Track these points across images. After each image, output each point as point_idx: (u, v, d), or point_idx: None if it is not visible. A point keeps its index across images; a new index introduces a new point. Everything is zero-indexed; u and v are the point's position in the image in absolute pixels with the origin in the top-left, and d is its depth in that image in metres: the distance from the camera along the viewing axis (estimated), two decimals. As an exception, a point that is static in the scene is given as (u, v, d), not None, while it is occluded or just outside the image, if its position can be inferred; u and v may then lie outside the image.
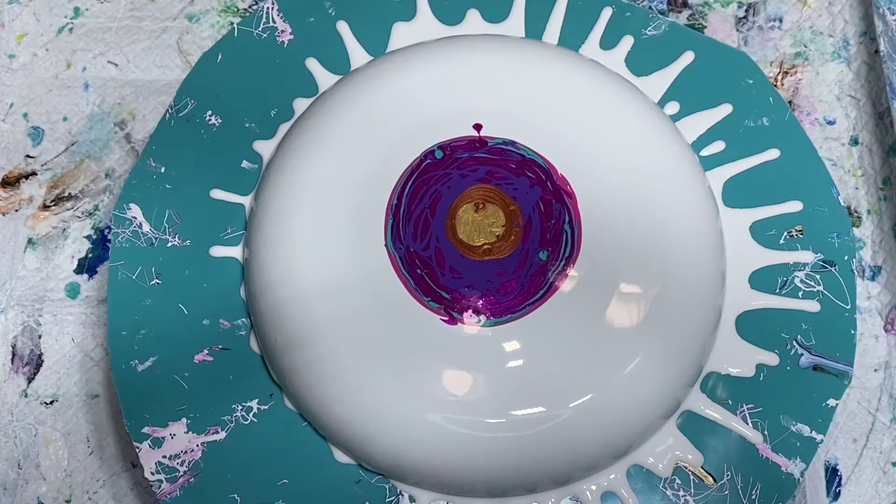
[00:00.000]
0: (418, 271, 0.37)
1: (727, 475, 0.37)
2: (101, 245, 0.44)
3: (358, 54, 0.42)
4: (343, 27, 0.43)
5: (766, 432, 0.38)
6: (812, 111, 0.46)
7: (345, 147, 0.39)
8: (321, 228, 0.38)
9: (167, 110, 0.41)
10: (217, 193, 0.40)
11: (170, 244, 0.39)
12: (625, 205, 0.38)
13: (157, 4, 0.48)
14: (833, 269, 0.40)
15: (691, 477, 0.37)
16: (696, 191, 0.39)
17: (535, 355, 0.36)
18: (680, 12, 0.48)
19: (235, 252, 0.40)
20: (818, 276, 0.40)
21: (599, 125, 0.39)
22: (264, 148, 0.41)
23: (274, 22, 0.43)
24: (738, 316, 0.39)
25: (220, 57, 0.42)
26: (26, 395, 0.42)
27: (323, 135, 0.39)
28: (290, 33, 0.42)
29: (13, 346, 0.43)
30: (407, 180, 0.38)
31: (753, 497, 0.37)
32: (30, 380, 0.42)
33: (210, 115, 0.41)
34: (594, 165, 0.39)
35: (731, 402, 0.38)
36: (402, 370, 0.36)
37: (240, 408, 0.38)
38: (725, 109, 0.42)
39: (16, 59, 0.47)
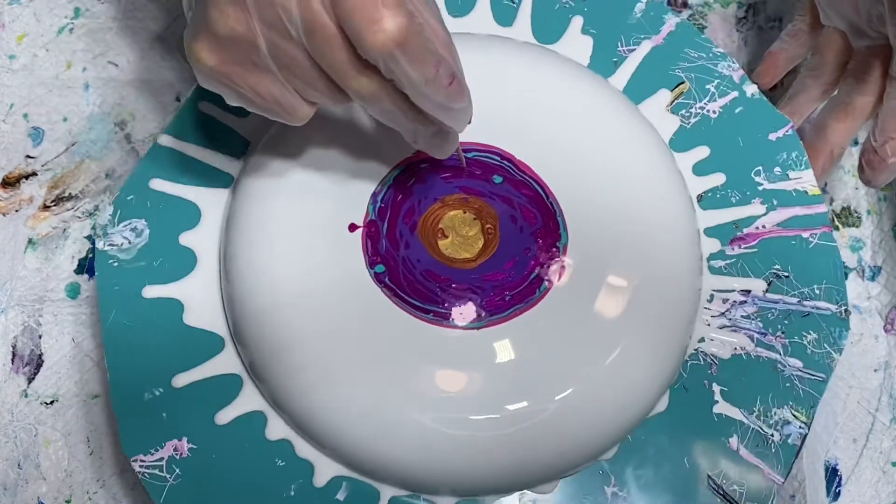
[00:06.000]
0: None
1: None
2: (101, 245, 0.44)
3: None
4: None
5: None
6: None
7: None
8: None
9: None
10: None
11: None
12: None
13: (157, 4, 0.48)
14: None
15: None
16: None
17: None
18: (680, 12, 0.48)
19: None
20: None
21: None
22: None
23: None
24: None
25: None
26: (26, 396, 0.42)
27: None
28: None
29: (13, 346, 0.43)
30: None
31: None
32: (30, 380, 0.42)
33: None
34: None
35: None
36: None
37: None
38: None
39: (16, 59, 0.47)
